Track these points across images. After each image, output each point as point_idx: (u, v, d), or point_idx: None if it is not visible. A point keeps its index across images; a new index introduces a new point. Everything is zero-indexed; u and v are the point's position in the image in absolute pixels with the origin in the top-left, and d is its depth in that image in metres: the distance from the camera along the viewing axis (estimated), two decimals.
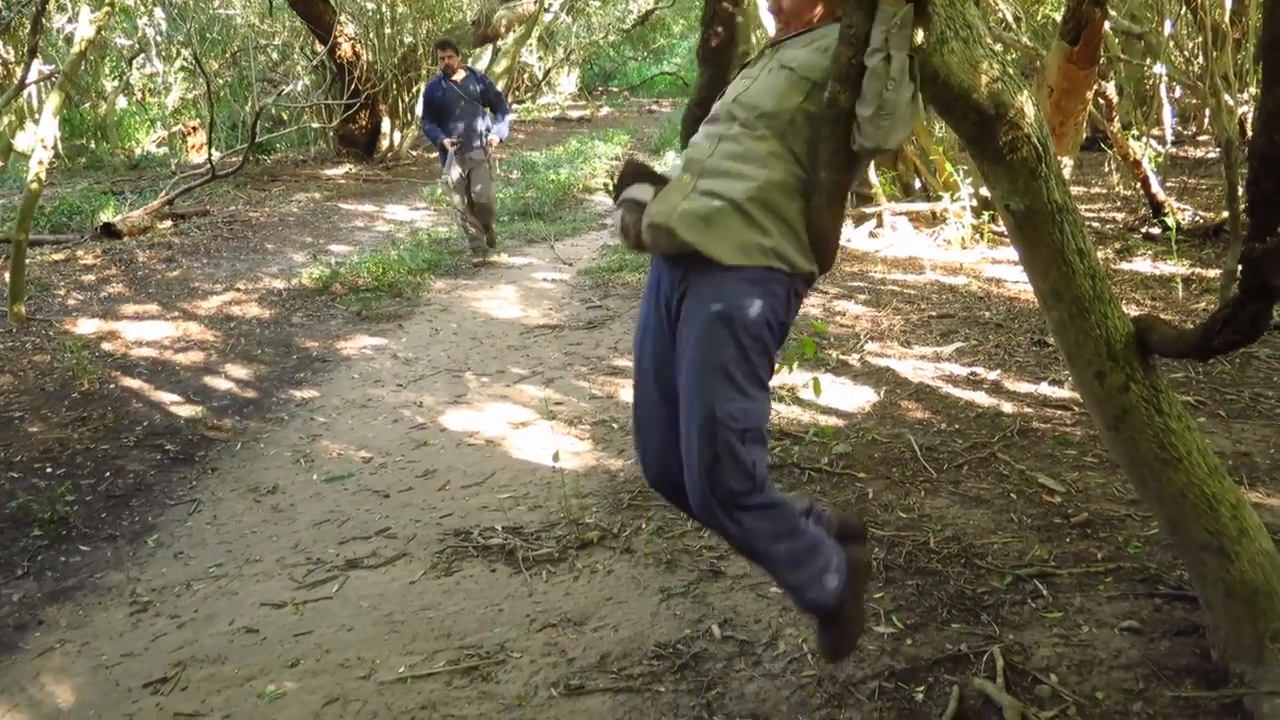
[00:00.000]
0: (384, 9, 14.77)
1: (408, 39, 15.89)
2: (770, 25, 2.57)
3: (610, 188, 2.32)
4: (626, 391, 5.02)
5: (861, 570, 2.38)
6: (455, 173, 8.15)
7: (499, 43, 19.42)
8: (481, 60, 20.24)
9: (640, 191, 2.18)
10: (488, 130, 8.26)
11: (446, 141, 8.03)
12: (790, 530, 2.19)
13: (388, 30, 15.28)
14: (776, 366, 2.29)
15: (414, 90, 16.05)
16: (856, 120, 1.99)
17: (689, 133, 2.46)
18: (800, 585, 2.24)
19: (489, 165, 8.38)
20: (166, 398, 5.26)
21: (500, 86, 20.78)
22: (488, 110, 8.29)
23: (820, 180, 2.10)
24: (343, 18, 13.27)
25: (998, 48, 2.27)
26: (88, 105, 16.69)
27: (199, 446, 4.66)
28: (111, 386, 5.43)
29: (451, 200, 8.53)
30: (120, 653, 3.02)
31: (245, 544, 3.69)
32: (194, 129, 16.37)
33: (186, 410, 5.09)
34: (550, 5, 22.95)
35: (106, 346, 6.15)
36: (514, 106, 23.14)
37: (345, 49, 13.37)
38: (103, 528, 3.87)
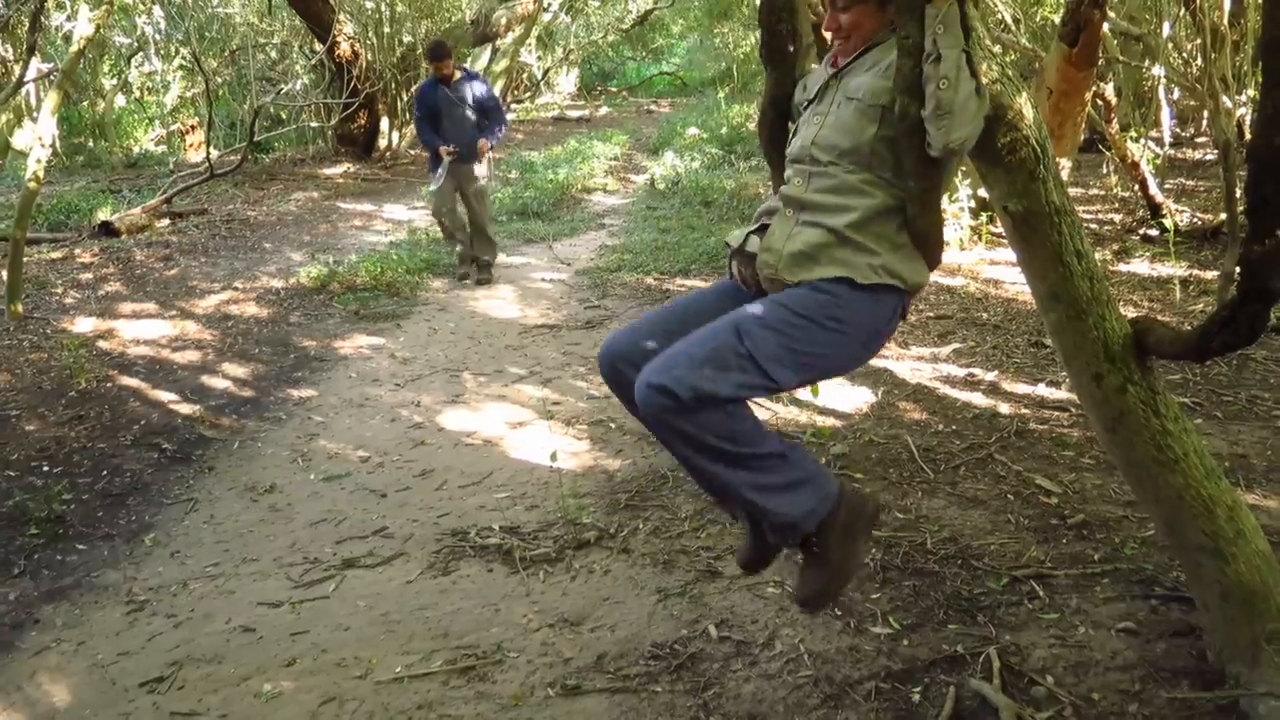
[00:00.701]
0: (383, 8, 14.78)
1: (407, 38, 15.88)
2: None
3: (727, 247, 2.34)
4: None
5: (862, 510, 2.23)
6: (447, 184, 7.49)
7: (498, 42, 19.43)
8: (480, 60, 20.25)
9: (747, 241, 2.23)
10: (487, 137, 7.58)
11: (444, 150, 7.36)
12: (749, 432, 2.03)
13: (387, 29, 15.28)
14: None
15: (413, 90, 16.04)
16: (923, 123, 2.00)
17: (768, 132, 2.49)
18: (759, 494, 2.06)
19: (486, 180, 7.71)
20: (164, 396, 5.26)
21: (499, 86, 20.83)
22: (484, 115, 7.57)
23: (910, 189, 2.12)
24: (342, 16, 13.25)
25: (996, 49, 2.27)
26: (86, 103, 16.67)
27: (196, 445, 4.65)
28: (109, 385, 5.43)
29: (438, 212, 7.73)
30: (117, 652, 3.02)
31: (242, 543, 3.69)
32: (192, 127, 16.36)
33: (184, 409, 5.08)
34: (549, 5, 22.95)
35: (104, 345, 6.14)
36: (513, 106, 23.19)
37: (344, 48, 13.36)
38: (99, 526, 3.87)
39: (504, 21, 17.94)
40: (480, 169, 7.57)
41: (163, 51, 16.70)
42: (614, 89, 31.25)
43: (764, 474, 2.05)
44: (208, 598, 3.31)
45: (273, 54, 16.25)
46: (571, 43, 26.82)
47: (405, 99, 15.77)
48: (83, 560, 3.61)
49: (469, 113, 7.44)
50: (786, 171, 2.30)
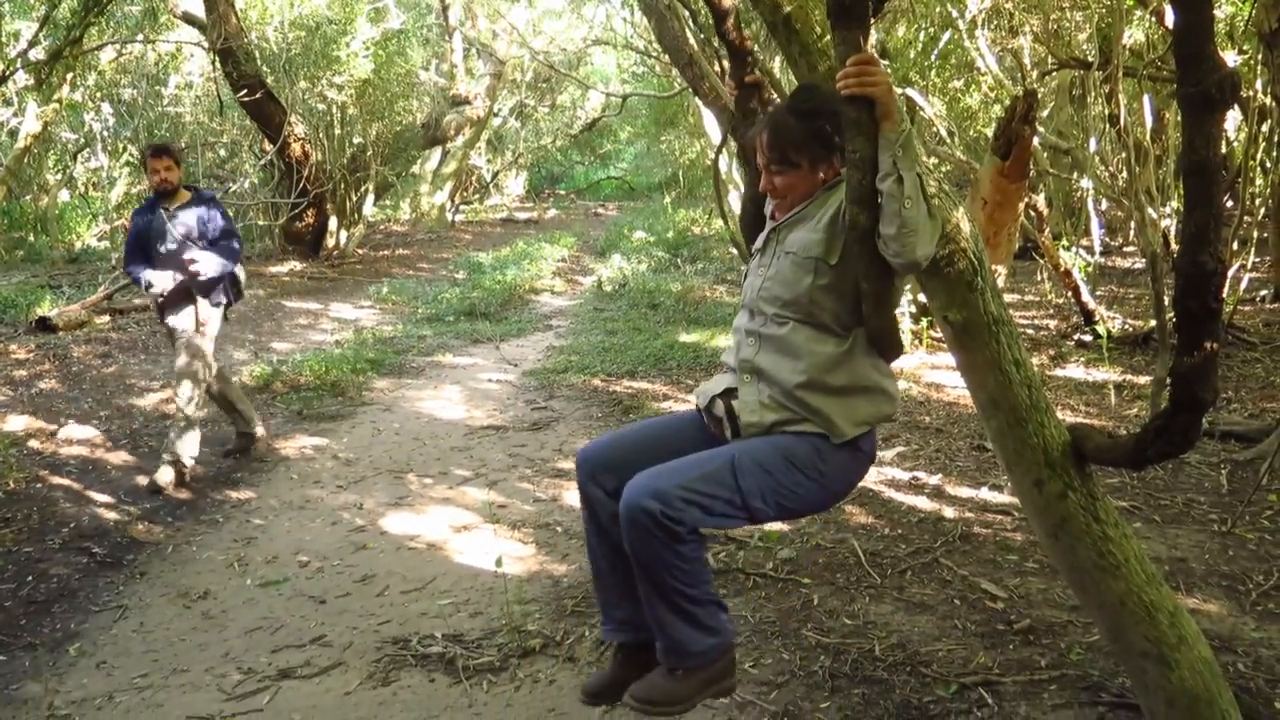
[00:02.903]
0: (334, 110, 14.94)
1: (357, 139, 16.05)
2: None
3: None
4: (571, 494, 4.98)
5: (727, 676, 2.35)
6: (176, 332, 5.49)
7: (448, 145, 19.76)
8: (430, 161, 20.53)
9: (715, 405, 2.37)
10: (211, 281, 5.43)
11: (147, 275, 5.34)
12: (701, 573, 2.21)
13: (338, 131, 15.43)
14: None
15: (362, 190, 16.16)
16: (882, 239, 2.08)
17: (748, 223, 2.61)
18: (681, 620, 2.22)
19: (206, 331, 5.48)
20: (96, 498, 5.11)
21: (448, 187, 21.07)
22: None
23: (865, 290, 2.21)
24: (293, 118, 13.39)
25: (932, 161, 2.37)
26: (29, 198, 16.53)
27: (128, 549, 4.51)
28: (39, 486, 5.27)
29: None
30: None
31: (173, 653, 3.56)
32: None
33: (117, 511, 4.94)
34: (499, 110, 23.43)
35: (35, 444, 5.98)
36: (462, 207, 23.39)
37: (295, 148, 13.46)
38: (21, 635, 3.71)
39: (454, 125, 18.29)
40: (206, 310, 5.47)
41: (110, 148, 16.68)
42: (562, 192, 31.76)
43: (696, 608, 2.22)
44: (134, 711, 3.17)
45: (222, 152, 16.31)
46: (520, 147, 27.30)
47: (354, 199, 15.88)
48: (2, 671, 3.45)
49: (188, 245, 5.35)
50: (740, 318, 2.43)
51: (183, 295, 5.41)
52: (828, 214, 2.26)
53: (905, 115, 2.10)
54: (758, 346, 2.32)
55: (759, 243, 2.45)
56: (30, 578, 4.19)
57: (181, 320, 5.47)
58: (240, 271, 5.63)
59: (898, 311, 7.74)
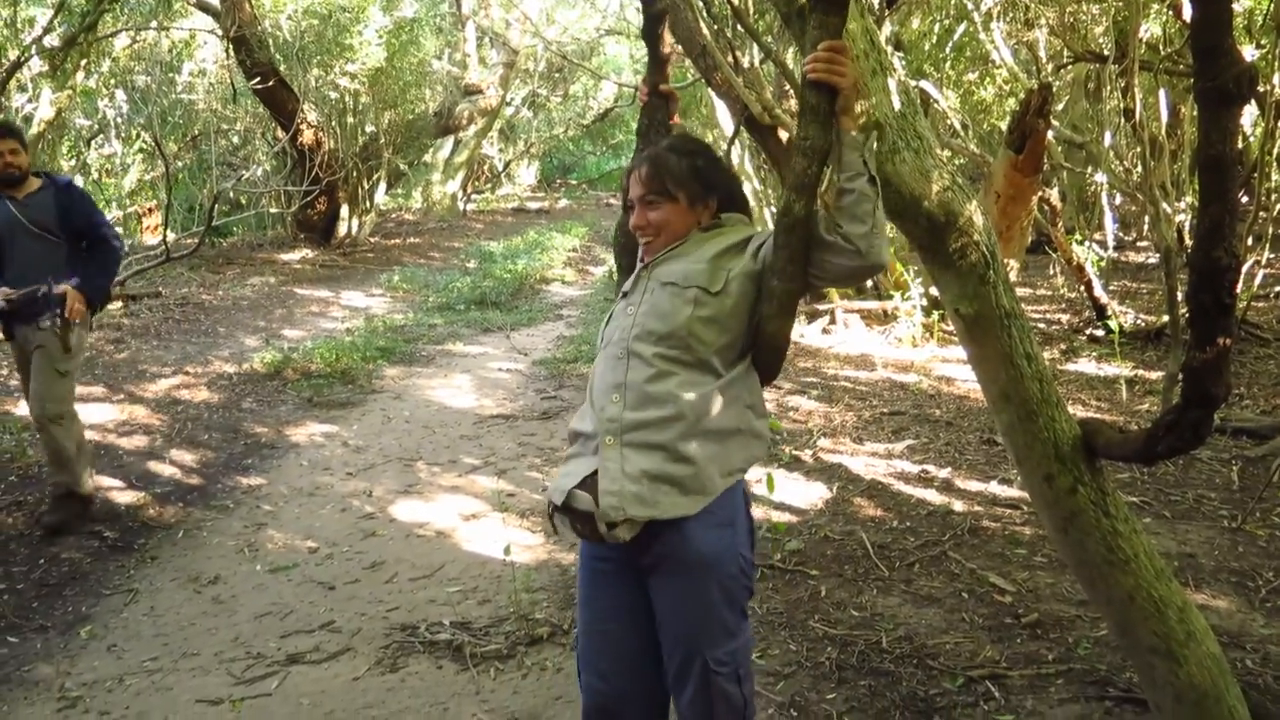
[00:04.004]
0: (347, 98, 14.94)
1: (370, 128, 16.05)
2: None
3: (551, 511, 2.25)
4: None
5: None
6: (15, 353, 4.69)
7: (460, 134, 19.75)
8: (443, 151, 20.53)
9: (576, 499, 2.07)
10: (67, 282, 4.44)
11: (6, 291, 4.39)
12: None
13: (350, 119, 15.44)
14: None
15: (374, 178, 16.17)
16: (844, 238, 2.00)
17: (624, 255, 2.48)
18: None
19: (68, 349, 4.47)
20: (107, 483, 5.13)
21: (460, 176, 21.04)
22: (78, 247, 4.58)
23: (772, 288, 2.09)
24: (306, 106, 13.40)
25: (946, 154, 2.35)
26: None
27: (139, 534, 4.53)
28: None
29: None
30: None
31: (182, 637, 3.58)
32: (150, 210, 16.30)
33: (128, 496, 4.97)
34: (512, 99, 23.41)
35: None
36: (474, 196, 23.36)
37: (307, 136, 13.48)
38: (33, 618, 3.74)
39: (467, 114, 18.28)
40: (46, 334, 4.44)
41: (123, 135, 16.72)
42: (574, 182, 31.73)
43: None
44: (144, 694, 3.19)
45: (235, 140, 16.33)
46: (533, 136, 27.28)
47: (366, 187, 15.90)
48: (13, 653, 3.47)
49: (45, 240, 4.51)
50: (600, 369, 2.19)
51: (32, 304, 4.43)
52: (710, 251, 2.16)
53: (866, 122, 2.05)
54: (623, 402, 2.09)
55: (626, 286, 2.29)
56: (42, 561, 4.22)
57: (37, 333, 4.45)
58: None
59: (909, 304, 7.75)
